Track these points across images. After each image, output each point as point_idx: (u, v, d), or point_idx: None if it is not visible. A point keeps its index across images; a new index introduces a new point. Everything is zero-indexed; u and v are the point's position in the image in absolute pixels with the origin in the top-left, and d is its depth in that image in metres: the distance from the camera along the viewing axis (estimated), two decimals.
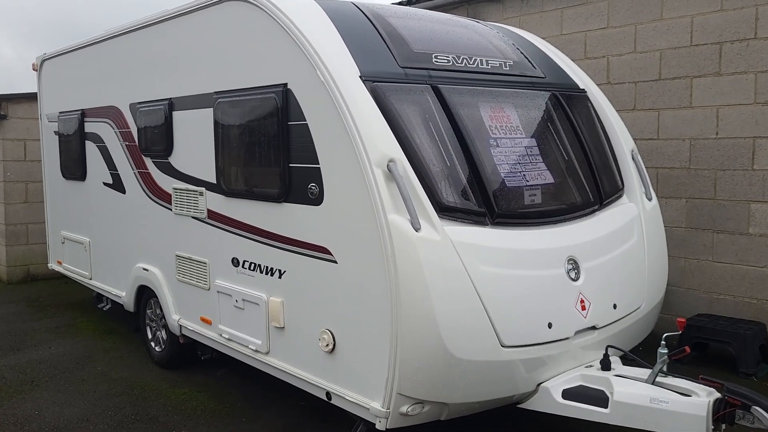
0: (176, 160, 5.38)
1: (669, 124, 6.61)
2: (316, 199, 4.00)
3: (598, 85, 6.88)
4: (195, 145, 5.10)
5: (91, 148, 6.81)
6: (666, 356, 3.93)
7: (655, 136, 6.71)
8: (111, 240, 6.61)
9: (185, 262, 5.36)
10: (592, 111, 5.13)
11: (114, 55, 6.30)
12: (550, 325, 3.98)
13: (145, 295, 6.11)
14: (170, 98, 5.36)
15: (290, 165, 4.16)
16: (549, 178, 4.52)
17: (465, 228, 3.83)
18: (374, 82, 3.92)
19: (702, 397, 3.63)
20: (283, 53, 4.17)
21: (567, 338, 4.09)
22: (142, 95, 5.78)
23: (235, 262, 4.76)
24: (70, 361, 6.18)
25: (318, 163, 3.96)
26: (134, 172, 6.01)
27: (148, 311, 6.17)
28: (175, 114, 5.33)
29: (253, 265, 4.60)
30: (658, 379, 3.86)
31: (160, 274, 5.74)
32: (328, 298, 4.00)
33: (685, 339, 5.98)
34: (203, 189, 5.04)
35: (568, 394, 3.98)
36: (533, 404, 4.07)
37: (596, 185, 4.73)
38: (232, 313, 4.82)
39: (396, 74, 4.11)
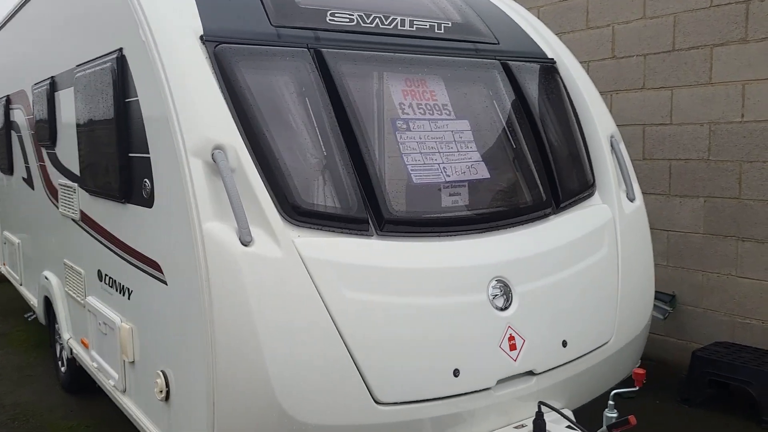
0: (60, 151, 4.53)
1: (684, 105, 5.35)
2: (149, 200, 3.05)
3: (601, 59, 5.69)
4: (70, 131, 4.22)
5: (14, 138, 6.07)
6: (605, 428, 2.83)
7: (668, 120, 5.46)
8: (30, 242, 5.85)
9: (69, 272, 4.51)
10: (561, 86, 3.99)
11: (18, 31, 5.53)
12: (456, 373, 2.91)
13: (52, 307, 5.31)
14: (52, 76, 4.51)
15: (129, 155, 3.23)
16: (483, 173, 3.43)
17: (332, 240, 2.81)
18: (222, 43, 2.94)
19: None
20: (117, 10, 3.23)
21: (486, 389, 3.01)
22: (37, 75, 4.96)
23: (99, 275, 3.87)
24: None
25: (148, 153, 3.01)
26: (37, 165, 5.21)
27: (56, 325, 5.37)
28: (56, 95, 4.47)
29: (111, 280, 3.69)
30: None
31: (55, 285, 4.92)
32: (162, 331, 3.05)
33: (696, 375, 4.76)
34: (76, 185, 4.17)
35: None
36: None
37: (553, 182, 3.61)
38: (98, 337, 3.93)
39: (263, 35, 3.10)
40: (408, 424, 2.81)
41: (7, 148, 6.24)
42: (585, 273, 3.46)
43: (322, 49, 3.17)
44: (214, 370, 2.53)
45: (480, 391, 3.00)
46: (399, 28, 3.55)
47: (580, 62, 5.95)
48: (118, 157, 3.26)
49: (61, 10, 4.32)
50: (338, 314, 2.68)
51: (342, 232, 2.86)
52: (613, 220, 3.71)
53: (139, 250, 3.21)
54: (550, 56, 4.10)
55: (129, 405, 3.51)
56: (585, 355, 3.39)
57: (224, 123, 2.70)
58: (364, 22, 3.44)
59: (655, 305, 4.92)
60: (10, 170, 6.27)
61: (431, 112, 3.43)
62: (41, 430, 4.52)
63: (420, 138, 3.31)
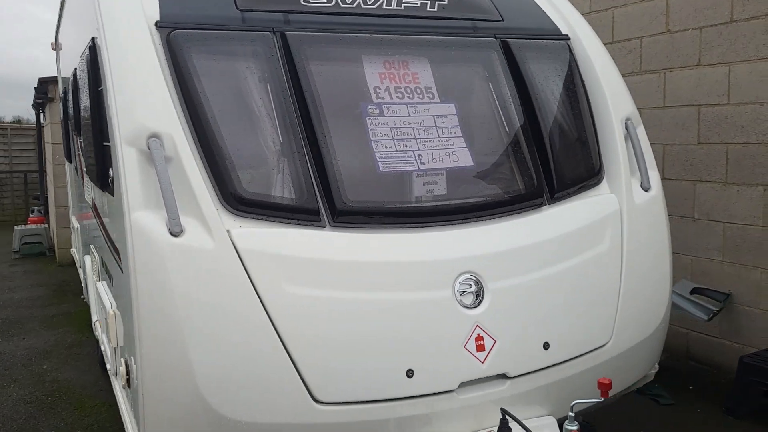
0: (82, 140, 4.68)
1: (743, 83, 4.80)
2: (112, 188, 3.06)
3: (655, 35, 5.23)
4: None
5: (69, 127, 6.37)
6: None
7: (725, 99, 4.92)
8: (80, 228, 6.14)
9: (92, 258, 4.66)
10: (572, 65, 3.66)
11: (66, 23, 5.77)
12: (409, 373, 2.73)
13: None
14: (75, 67, 4.66)
15: (103, 143, 3.25)
16: (465, 160, 3.20)
17: (277, 231, 2.70)
18: (177, 29, 2.88)
19: None
20: None
21: (447, 392, 2.81)
22: (71, 66, 5.14)
23: (101, 261, 3.97)
24: (25, 357, 5.79)
25: (109, 141, 3.01)
26: (76, 154, 5.43)
27: None
28: (77, 85, 4.61)
29: (105, 267, 3.77)
30: None
31: (87, 269, 5.12)
32: (125, 319, 3.05)
33: (743, 384, 4.30)
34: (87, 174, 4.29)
35: None
36: None
37: (548, 169, 3.32)
38: (103, 321, 4.03)
39: (225, 19, 3.01)
40: (352, 426, 2.67)
41: (66, 137, 6.57)
42: (578, 269, 3.16)
43: (287, 32, 3.05)
44: (140, 364, 2.50)
45: (439, 393, 2.80)
46: (384, 7, 3.36)
47: (633, 39, 5.51)
48: (94, 146, 3.30)
49: None
50: (275, 309, 2.57)
51: (291, 223, 2.74)
52: (619, 211, 3.36)
53: (112, 238, 3.25)
54: (564, 32, 3.76)
55: (117, 389, 3.58)
56: (573, 358, 3.10)
57: (163, 111, 2.64)
58: (344, 3, 3.29)
59: (699, 304, 4.48)
60: (69, 158, 6.61)
61: (411, 95, 3.23)
62: (69, 407, 4.73)
63: (394, 123, 3.13)
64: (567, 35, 3.75)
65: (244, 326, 2.53)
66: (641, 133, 3.62)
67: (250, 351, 2.53)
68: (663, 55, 5.33)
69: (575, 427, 2.65)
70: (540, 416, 3.09)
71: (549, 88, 3.53)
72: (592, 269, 3.20)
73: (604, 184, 3.48)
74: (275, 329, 2.56)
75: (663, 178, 5.37)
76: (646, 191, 3.49)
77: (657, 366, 3.66)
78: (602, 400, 2.74)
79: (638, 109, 5.58)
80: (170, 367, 2.47)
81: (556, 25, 3.79)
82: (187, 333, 2.45)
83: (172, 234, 2.49)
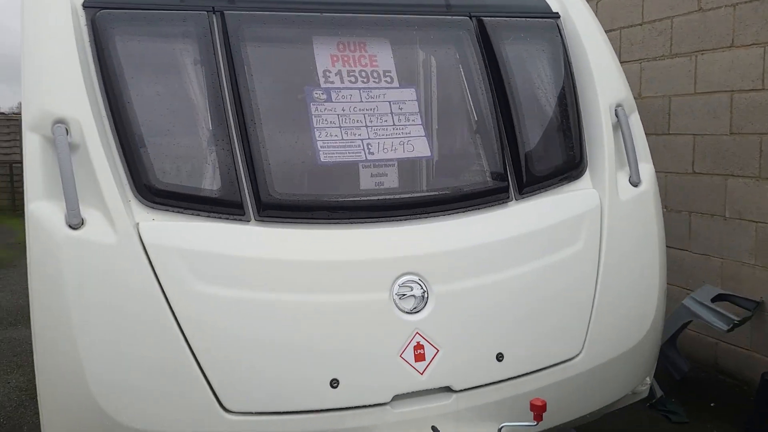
0: None
1: None
2: None
3: (686, 14, 4.77)
4: None
5: None
6: None
7: (759, 84, 4.41)
8: None
9: None
10: (559, 46, 3.29)
11: None
12: (334, 383, 2.49)
13: None
14: None
15: None
16: (422, 150, 2.92)
17: (192, 225, 2.50)
18: (104, 9, 2.72)
19: None
20: None
21: (379, 404, 2.56)
22: None
23: None
24: None
25: None
26: None
27: None
28: None
29: None
30: None
31: None
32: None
33: (764, 403, 3.85)
34: None
35: None
36: None
37: (517, 161, 2.99)
38: None
39: None
40: None
41: None
42: (543, 272, 2.83)
43: (226, 11, 2.84)
44: (36, 367, 2.36)
45: (369, 406, 2.55)
46: None
47: (663, 19, 5.03)
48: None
49: None
50: (182, 310, 2.38)
51: (211, 217, 2.55)
52: (599, 208, 3.00)
53: None
54: (554, 10, 3.41)
55: None
56: (534, 372, 2.78)
57: (73, 96, 2.48)
58: None
59: (719, 313, 4.05)
60: None
61: (366, 79, 2.97)
62: None
63: (343, 110, 2.88)
64: (557, 13, 3.39)
65: (145, 329, 2.35)
66: (634, 121, 3.24)
67: (152, 356, 2.35)
68: (695, 36, 4.83)
69: None
70: None
71: (527, 71, 3.20)
72: (560, 273, 2.86)
73: (585, 178, 3.12)
74: (182, 332, 2.37)
75: (692, 173, 4.90)
76: (635, 186, 3.11)
77: (648, 381, 3.28)
78: (535, 424, 2.42)
79: (668, 96, 5.12)
80: (63, 371, 2.32)
81: (546, 2, 3.43)
82: (79, 335, 2.29)
83: (69, 226, 2.34)
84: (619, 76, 3.30)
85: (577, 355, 2.86)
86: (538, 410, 2.41)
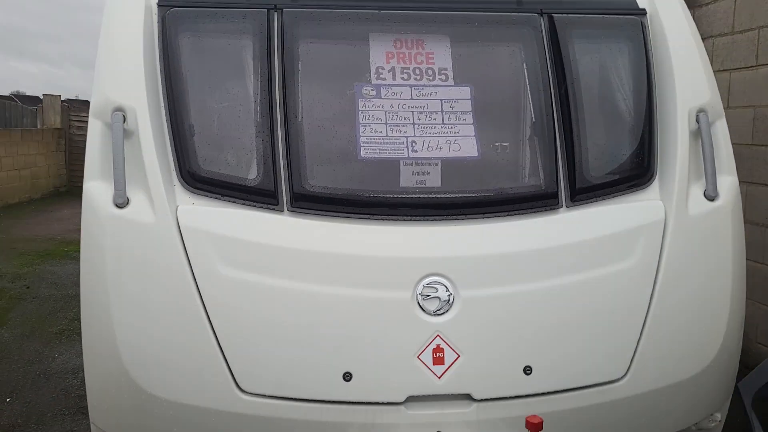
0: None
1: None
2: None
3: None
4: None
5: None
6: None
7: None
8: None
9: None
10: (641, 45, 3.05)
11: None
12: (347, 377, 2.51)
13: None
14: None
15: None
16: (470, 151, 2.85)
17: (227, 211, 2.63)
18: (175, 7, 2.92)
19: None
20: None
21: (391, 403, 2.54)
22: None
23: None
24: None
25: None
26: None
27: None
28: None
29: None
30: None
31: None
32: None
33: None
34: None
35: None
36: None
37: (573, 166, 2.82)
38: None
39: None
40: (279, 422, 2.52)
41: None
42: (585, 286, 2.65)
43: (285, 9, 2.94)
44: (83, 331, 2.60)
45: (382, 404, 2.54)
46: None
47: None
48: None
49: None
50: (207, 291, 2.51)
51: (246, 205, 2.66)
52: (662, 221, 2.75)
53: None
54: (641, 6, 3.16)
55: None
56: (568, 390, 2.62)
57: (133, 87, 2.70)
58: None
59: None
60: None
61: (419, 77, 2.95)
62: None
63: (391, 107, 2.88)
64: (643, 10, 3.14)
65: (172, 307, 2.51)
66: (719, 128, 2.93)
67: (177, 332, 2.50)
68: None
69: None
70: None
71: (599, 71, 3.02)
72: (606, 288, 2.67)
73: (654, 188, 2.87)
74: (206, 312, 2.50)
75: None
76: (711, 200, 2.81)
77: (718, 417, 2.96)
78: None
79: None
80: (100, 340, 2.54)
81: None
82: (113, 305, 2.49)
83: (116, 205, 2.55)
84: (705, 80, 2.99)
85: (621, 378, 2.65)
86: (534, 428, 2.26)
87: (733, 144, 5.23)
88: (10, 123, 16.76)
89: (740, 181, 5.12)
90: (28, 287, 7.61)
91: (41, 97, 19.24)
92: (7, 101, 18.54)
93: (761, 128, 4.98)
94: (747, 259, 5.08)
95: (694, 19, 5.76)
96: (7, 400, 4.61)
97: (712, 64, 5.49)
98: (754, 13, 5.04)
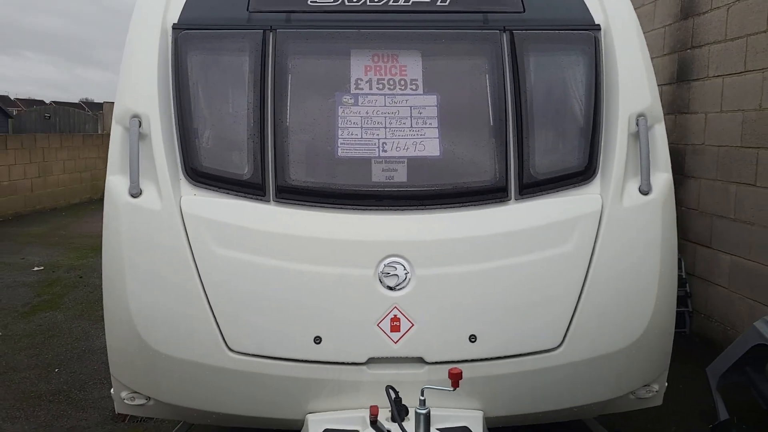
0: None
1: None
2: None
3: None
4: None
5: None
6: (423, 416, 2.62)
7: None
8: None
9: None
10: (591, 57, 3.43)
11: None
12: (317, 340, 3.00)
13: None
14: None
15: None
16: (432, 151, 3.29)
17: (221, 201, 3.14)
18: (186, 30, 3.45)
19: None
20: None
21: (355, 364, 3.01)
22: None
23: None
24: None
25: None
26: None
27: None
28: None
29: None
30: None
31: None
32: None
33: None
34: None
35: None
36: None
37: (523, 164, 3.23)
38: None
39: (233, 20, 3.49)
40: (261, 378, 3.02)
41: None
42: (527, 267, 3.06)
43: (279, 30, 3.44)
44: (104, 297, 3.16)
45: (346, 364, 3.01)
46: (390, 3, 3.56)
47: None
48: None
49: None
50: (203, 266, 3.03)
51: (239, 196, 3.17)
52: (598, 213, 3.14)
53: None
54: (596, 22, 3.55)
55: None
56: (508, 357, 3.03)
57: (147, 96, 3.23)
58: (350, 1, 3.57)
59: None
60: None
61: (393, 87, 3.41)
62: None
63: (366, 113, 3.35)
64: (598, 25, 3.52)
65: (174, 279, 3.03)
66: (657, 131, 3.29)
67: (178, 300, 3.03)
68: None
69: (424, 411, 2.66)
70: (468, 408, 3.09)
71: (553, 81, 3.41)
72: (545, 270, 3.07)
73: (595, 184, 3.25)
74: (201, 284, 3.02)
75: None
76: (645, 195, 3.18)
77: (656, 388, 3.32)
78: (452, 389, 2.69)
79: None
80: (116, 306, 3.09)
81: (590, 14, 3.57)
82: (127, 276, 3.04)
83: (131, 195, 3.09)
84: (647, 88, 3.35)
85: (557, 348, 3.05)
86: (455, 378, 2.68)
87: (723, 146, 5.56)
88: (74, 128, 17.93)
89: (729, 182, 5.44)
90: (81, 277, 8.38)
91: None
92: (71, 108, 19.76)
93: (748, 131, 5.24)
94: (735, 255, 5.38)
95: (692, 27, 6.09)
96: (56, 370, 5.26)
97: (707, 71, 5.83)
98: (743, 21, 5.31)
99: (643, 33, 3.59)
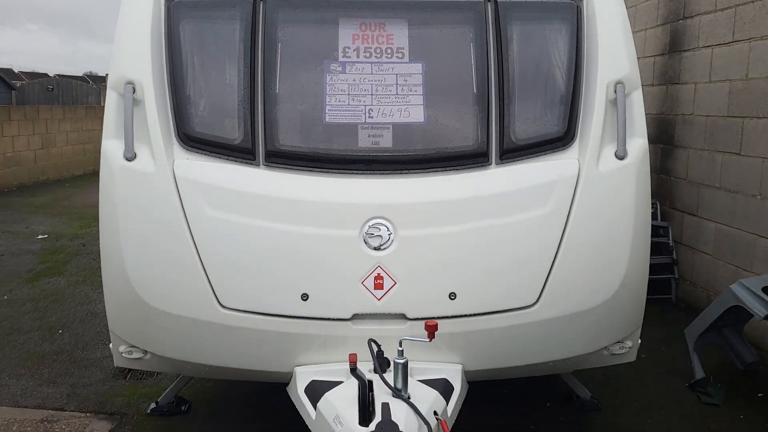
0: None
1: None
2: None
3: None
4: None
5: None
6: (401, 365, 2.79)
7: None
8: None
9: None
10: (572, 26, 3.52)
11: None
12: (304, 297, 3.15)
13: None
14: None
15: None
16: (417, 117, 3.41)
17: (212, 165, 3.27)
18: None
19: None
20: None
21: (340, 319, 3.17)
22: None
23: None
24: None
25: None
26: None
27: None
28: None
29: None
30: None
31: None
32: None
33: None
34: None
35: (310, 389, 3.12)
36: (290, 390, 3.31)
37: (503, 130, 3.34)
38: None
39: None
40: (251, 332, 3.18)
41: None
42: (505, 228, 3.19)
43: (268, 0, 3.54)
44: (101, 258, 3.31)
45: (332, 319, 3.16)
46: None
47: None
48: None
49: None
50: (195, 227, 3.17)
51: (230, 160, 3.30)
52: (575, 177, 3.26)
53: None
54: None
55: None
56: (486, 314, 3.19)
57: (140, 63, 3.34)
58: None
59: (763, 300, 4.01)
60: None
61: (379, 55, 3.51)
62: None
63: (353, 80, 3.46)
64: None
65: (168, 239, 3.17)
66: (634, 99, 3.39)
67: (171, 259, 3.17)
68: None
69: (402, 361, 2.81)
70: (448, 362, 3.25)
71: (535, 50, 3.50)
72: (523, 231, 3.20)
73: (573, 149, 3.37)
74: (194, 244, 3.16)
75: None
76: (621, 159, 3.30)
77: (629, 344, 3.47)
78: (428, 340, 2.85)
79: None
80: (112, 264, 3.23)
81: None
82: (122, 237, 3.18)
83: (125, 158, 3.23)
84: (626, 56, 3.45)
85: (533, 305, 3.20)
86: (431, 329, 2.83)
87: (710, 116, 5.65)
88: (77, 101, 18.03)
89: (715, 151, 5.54)
90: (83, 245, 8.56)
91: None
92: (74, 80, 19.84)
93: (735, 101, 5.34)
94: (719, 223, 5.50)
95: None
96: (59, 331, 5.45)
97: (698, 41, 5.91)
98: None
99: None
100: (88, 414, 4.07)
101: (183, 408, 4.11)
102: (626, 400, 4.25)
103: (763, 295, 4.03)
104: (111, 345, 3.47)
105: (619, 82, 3.38)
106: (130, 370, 4.58)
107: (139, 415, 4.05)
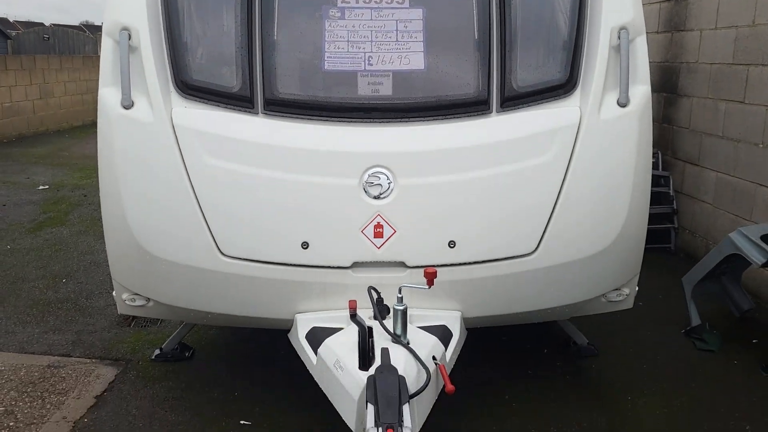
0: None
1: None
2: None
3: None
4: None
5: None
6: (400, 312, 2.83)
7: None
8: None
9: None
10: None
11: None
12: (304, 245, 3.16)
13: None
14: None
15: None
16: (417, 64, 3.36)
17: (211, 113, 3.25)
18: None
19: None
20: None
21: (340, 267, 3.19)
22: None
23: None
24: None
25: None
26: None
27: None
28: None
29: None
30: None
31: None
32: None
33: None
34: None
35: (311, 335, 3.16)
36: (291, 336, 3.37)
37: (505, 77, 3.30)
38: None
39: None
40: (252, 280, 3.21)
41: None
42: (506, 177, 3.19)
43: None
44: (101, 208, 3.32)
45: (332, 267, 3.19)
46: None
47: None
48: None
49: None
50: (195, 175, 3.16)
51: (228, 108, 3.27)
52: (576, 124, 3.24)
53: None
54: None
55: None
56: (486, 262, 3.21)
57: (136, 10, 3.28)
58: None
59: (761, 247, 4.03)
60: None
61: (379, 1, 3.45)
62: None
63: (353, 26, 3.40)
64: None
65: (168, 187, 3.17)
66: (638, 45, 3.34)
67: (171, 207, 3.18)
68: None
69: (402, 308, 2.85)
70: (446, 309, 3.29)
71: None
72: (523, 179, 3.20)
73: (575, 96, 3.33)
74: (194, 192, 3.16)
75: None
76: (623, 107, 3.27)
77: (626, 292, 3.51)
78: (428, 287, 2.87)
79: None
80: (113, 213, 3.24)
81: None
82: (122, 186, 3.18)
83: (123, 107, 3.20)
84: (630, 1, 3.39)
85: (532, 253, 3.22)
86: (430, 276, 2.86)
87: (715, 64, 5.57)
88: (73, 50, 17.79)
89: (719, 99, 5.49)
90: (85, 195, 8.58)
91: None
92: (70, 30, 19.54)
93: (740, 48, 5.26)
94: (720, 172, 5.49)
95: None
96: (63, 280, 5.50)
97: None
98: None
99: None
100: (93, 360, 4.14)
101: (187, 354, 4.18)
102: (623, 347, 4.31)
103: (762, 244, 4.05)
104: (114, 293, 3.51)
105: (623, 28, 3.32)
106: (134, 317, 4.65)
107: (144, 361, 4.12)
